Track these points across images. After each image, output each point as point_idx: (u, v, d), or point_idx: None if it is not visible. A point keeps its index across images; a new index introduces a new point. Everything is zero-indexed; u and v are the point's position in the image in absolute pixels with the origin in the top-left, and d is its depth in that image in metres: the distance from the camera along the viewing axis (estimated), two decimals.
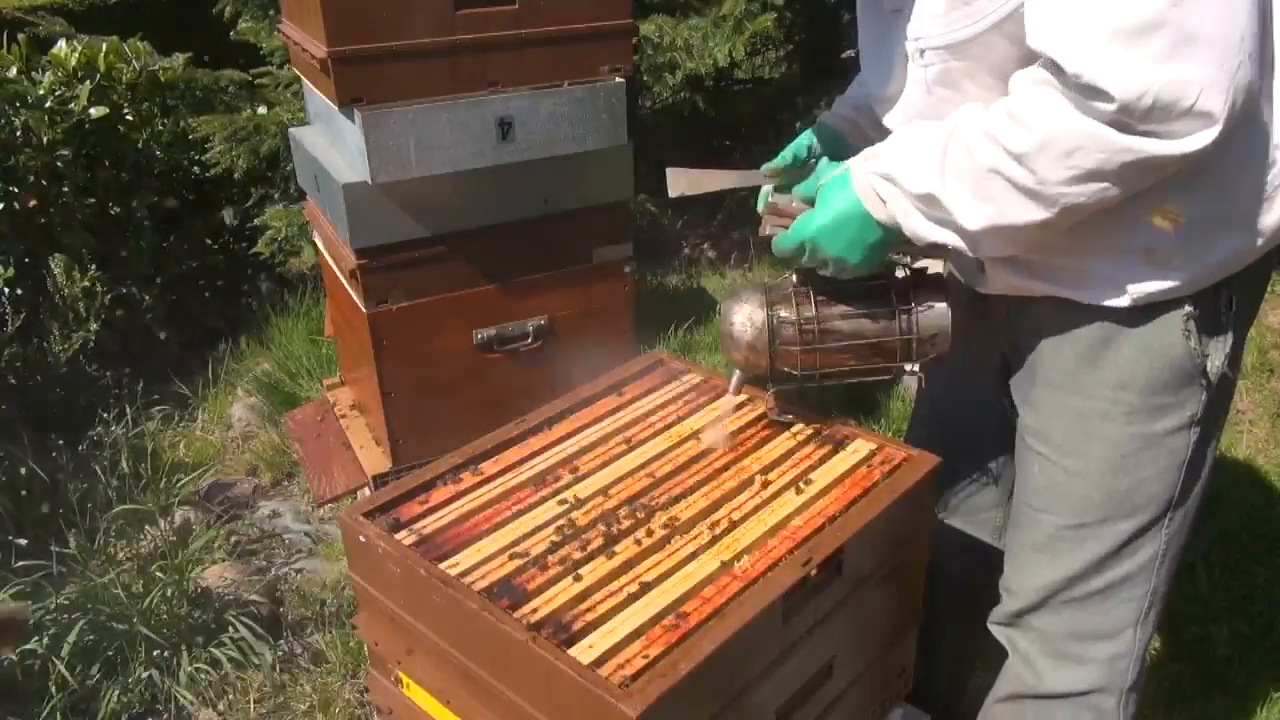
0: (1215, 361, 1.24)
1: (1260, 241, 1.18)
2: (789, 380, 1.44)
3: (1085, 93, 1.00)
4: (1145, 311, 1.22)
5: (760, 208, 1.42)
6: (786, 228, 1.33)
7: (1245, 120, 1.07)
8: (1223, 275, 1.20)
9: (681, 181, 1.43)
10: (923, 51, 1.20)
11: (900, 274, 1.39)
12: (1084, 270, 1.22)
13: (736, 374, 1.49)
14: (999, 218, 1.11)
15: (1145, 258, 1.19)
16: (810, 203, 1.32)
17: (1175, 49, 0.96)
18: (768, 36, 4.19)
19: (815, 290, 1.38)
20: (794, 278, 1.41)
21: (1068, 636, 1.40)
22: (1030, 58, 1.09)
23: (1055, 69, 1.02)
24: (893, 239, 1.25)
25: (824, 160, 1.41)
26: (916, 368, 1.40)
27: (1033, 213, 1.09)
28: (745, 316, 1.40)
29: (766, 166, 1.47)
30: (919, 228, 1.20)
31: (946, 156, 1.14)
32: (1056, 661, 1.41)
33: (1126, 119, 0.99)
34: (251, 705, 2.16)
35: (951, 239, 1.18)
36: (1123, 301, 1.22)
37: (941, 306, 1.37)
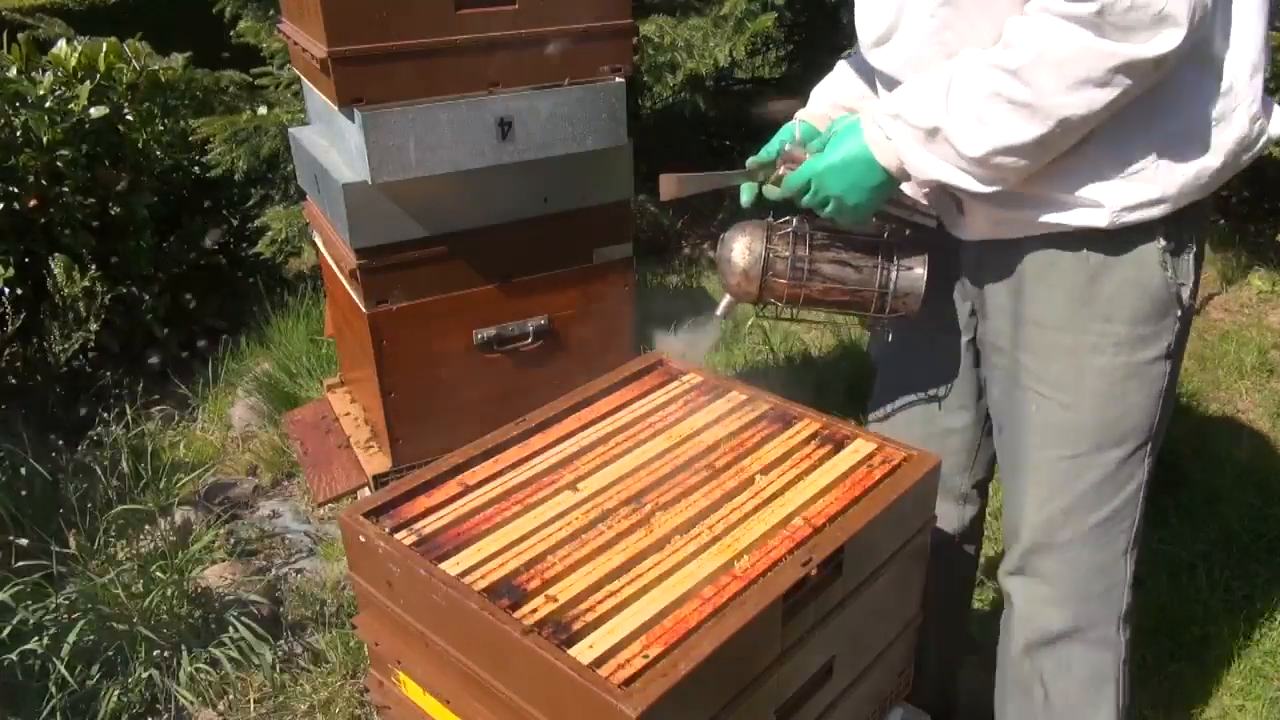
0: (1185, 291, 1.36)
1: (1221, 160, 1.28)
2: (771, 309, 1.54)
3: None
4: (1125, 243, 1.31)
5: (745, 200, 1.52)
6: (796, 169, 1.41)
7: (1201, 44, 1.19)
8: (1188, 199, 1.29)
9: (673, 186, 1.48)
10: None
11: (888, 233, 1.48)
12: (1066, 193, 1.29)
13: (727, 298, 1.55)
14: (999, 139, 1.20)
15: (1122, 173, 1.27)
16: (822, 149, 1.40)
17: None
18: (768, 36, 4.19)
19: (812, 234, 1.48)
20: (794, 220, 1.49)
21: (1072, 575, 1.48)
22: None
23: None
24: (892, 183, 1.34)
25: (841, 118, 1.49)
26: (885, 320, 1.50)
27: (1030, 129, 1.18)
28: (745, 246, 1.49)
29: (751, 161, 1.52)
30: (921, 163, 1.27)
31: (950, 91, 1.22)
32: (1061, 604, 1.50)
33: (1105, 23, 1.09)
34: (251, 705, 2.16)
35: (951, 174, 1.26)
36: (1103, 219, 1.29)
37: (919, 270, 1.46)
